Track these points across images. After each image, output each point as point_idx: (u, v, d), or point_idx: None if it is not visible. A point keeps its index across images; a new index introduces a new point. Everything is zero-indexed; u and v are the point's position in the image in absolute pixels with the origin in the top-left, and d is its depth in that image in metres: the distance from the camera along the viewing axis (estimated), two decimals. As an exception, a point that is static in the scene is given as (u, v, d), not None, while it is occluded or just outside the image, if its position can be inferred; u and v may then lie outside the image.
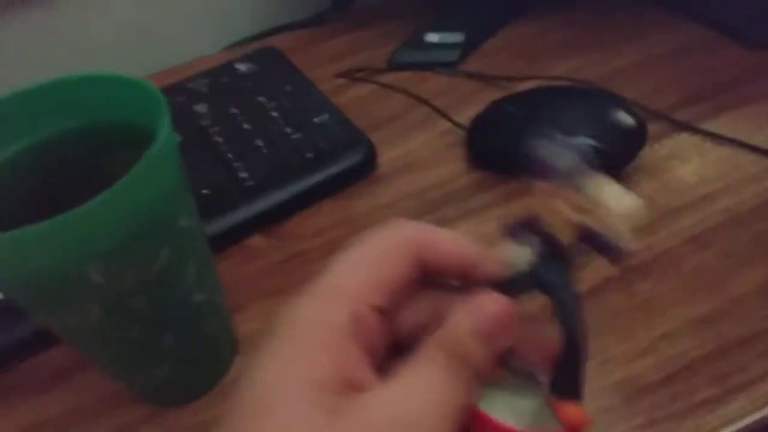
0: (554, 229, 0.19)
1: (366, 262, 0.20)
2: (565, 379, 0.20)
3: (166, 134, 0.24)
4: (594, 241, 0.19)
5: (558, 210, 0.19)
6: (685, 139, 0.41)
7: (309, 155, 0.40)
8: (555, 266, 0.20)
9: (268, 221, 0.38)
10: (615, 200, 0.18)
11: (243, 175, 0.39)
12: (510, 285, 0.20)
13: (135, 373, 0.28)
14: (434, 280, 0.21)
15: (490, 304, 0.19)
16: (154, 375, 0.28)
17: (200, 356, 0.29)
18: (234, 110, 0.44)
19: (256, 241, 0.38)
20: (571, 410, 0.20)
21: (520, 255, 0.20)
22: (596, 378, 0.30)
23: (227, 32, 0.58)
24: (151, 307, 0.25)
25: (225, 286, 0.36)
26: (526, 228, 0.20)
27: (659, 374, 0.30)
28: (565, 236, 0.19)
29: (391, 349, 0.21)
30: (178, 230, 0.25)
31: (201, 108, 0.45)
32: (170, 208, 0.24)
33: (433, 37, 0.51)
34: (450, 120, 0.44)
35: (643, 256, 0.35)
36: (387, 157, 0.43)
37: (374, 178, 0.42)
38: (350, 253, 0.20)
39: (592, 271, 0.34)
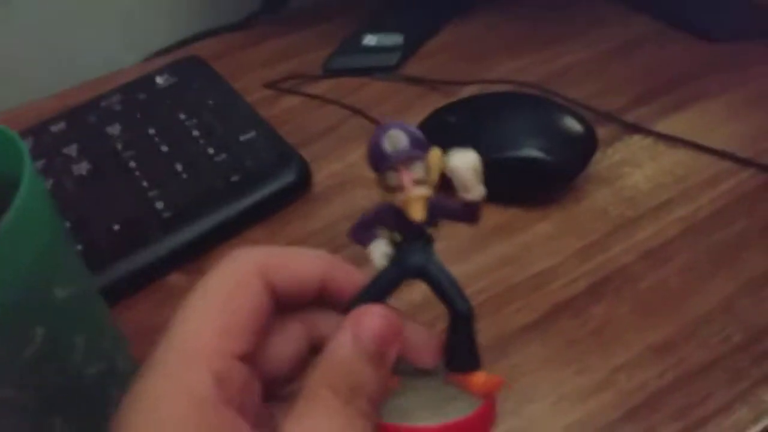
0: (403, 212, 0.19)
1: (213, 309, 0.18)
2: (461, 351, 0.20)
3: (28, 188, 0.20)
4: (445, 209, 0.19)
5: (401, 192, 0.18)
6: (637, 142, 0.39)
7: (234, 178, 0.37)
8: (414, 248, 0.19)
9: (188, 256, 0.35)
10: (453, 160, 0.18)
11: (159, 205, 0.35)
12: (377, 287, 0.19)
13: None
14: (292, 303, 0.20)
15: (368, 319, 0.18)
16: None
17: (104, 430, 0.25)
18: (151, 131, 0.40)
19: (175, 279, 0.34)
20: (478, 379, 0.19)
21: (377, 252, 0.19)
22: (551, 419, 0.27)
23: (147, 41, 0.54)
24: (29, 394, 0.21)
25: (140, 333, 0.32)
26: (371, 224, 0.20)
27: (618, 411, 0.27)
28: (416, 214, 0.18)
29: (266, 390, 0.19)
30: (55, 302, 0.21)
31: (114, 129, 0.41)
32: (41, 278, 0.20)
33: (370, 40, 0.48)
34: (389, 131, 0.41)
35: (596, 276, 0.32)
36: (322, 174, 0.39)
37: (308, 199, 0.38)
38: (193, 303, 0.18)
39: (541, 297, 0.31)
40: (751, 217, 0.34)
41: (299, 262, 0.20)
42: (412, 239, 0.19)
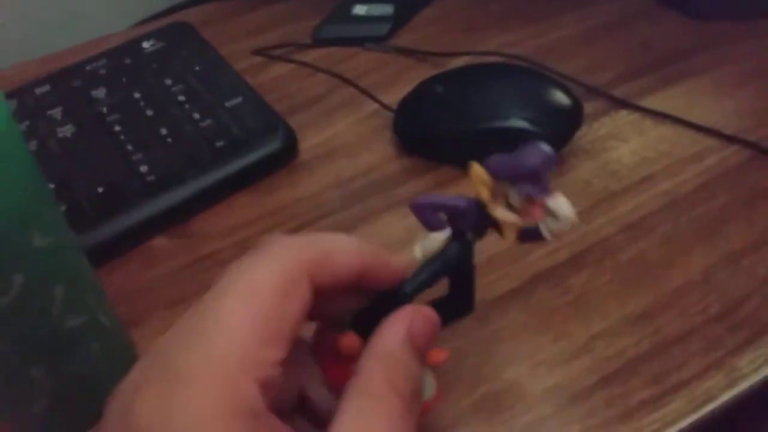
0: (486, 215, 0.20)
1: (260, 316, 0.16)
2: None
3: (4, 134, 0.19)
4: (530, 237, 0.21)
5: (503, 207, 0.20)
6: (623, 117, 0.39)
7: (219, 144, 0.36)
8: (461, 246, 0.21)
9: (172, 220, 0.34)
10: (560, 209, 0.20)
11: (143, 168, 0.35)
12: (426, 278, 0.20)
13: (7, 410, 0.24)
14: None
15: (420, 321, 0.18)
16: (30, 411, 0.24)
17: (85, 385, 0.25)
18: (136, 95, 0.40)
19: (159, 242, 0.34)
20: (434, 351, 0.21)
21: (434, 243, 0.21)
22: (528, 385, 0.28)
23: (135, 8, 0.53)
24: (7, 341, 0.21)
25: (123, 295, 0.32)
26: (441, 209, 0.21)
27: (595, 377, 0.28)
28: (509, 237, 0.20)
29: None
30: (34, 250, 0.21)
31: (99, 93, 0.40)
32: (19, 225, 0.20)
33: (360, 9, 0.48)
34: (377, 101, 0.40)
35: (577, 247, 0.32)
36: (308, 143, 0.39)
37: (294, 167, 0.38)
38: (235, 304, 0.16)
39: (524, 266, 0.32)
40: (733, 192, 0.34)
41: (341, 257, 0.19)
42: (462, 237, 0.21)
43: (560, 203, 0.20)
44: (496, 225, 0.21)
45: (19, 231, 0.20)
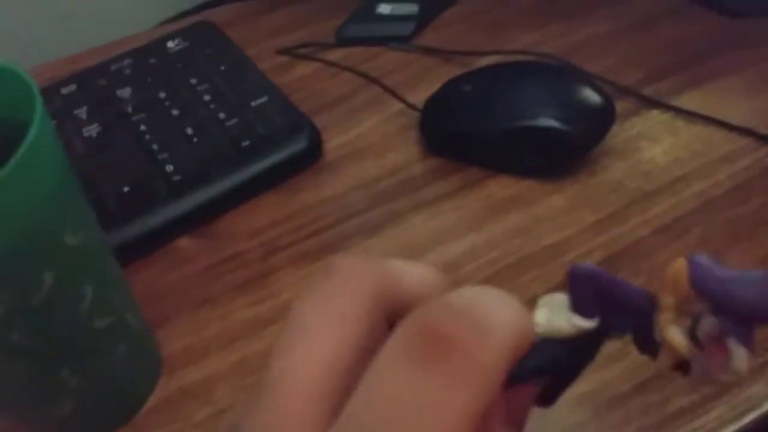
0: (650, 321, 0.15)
1: (335, 351, 0.14)
2: None
3: (38, 128, 0.19)
4: (681, 370, 0.16)
5: (672, 322, 0.15)
6: (655, 116, 0.38)
7: (245, 143, 0.36)
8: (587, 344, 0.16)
9: (198, 220, 0.34)
10: (739, 364, 0.15)
11: (169, 168, 0.35)
12: (527, 367, 0.15)
13: (32, 411, 0.24)
14: None
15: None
16: (55, 413, 0.24)
17: (111, 387, 0.25)
18: (162, 94, 0.40)
19: (184, 243, 0.34)
20: None
21: (566, 324, 0.16)
22: (562, 389, 0.27)
23: (159, 8, 0.53)
24: (37, 341, 0.21)
25: (149, 296, 0.32)
26: (603, 294, 0.16)
27: (630, 383, 0.27)
28: (661, 360, 0.15)
29: None
30: (65, 248, 0.21)
31: (124, 93, 0.40)
32: (51, 222, 0.20)
33: (385, 9, 0.47)
34: (402, 101, 0.40)
35: (611, 248, 0.32)
36: (334, 143, 0.39)
37: (319, 167, 0.38)
38: (311, 344, 0.14)
39: (555, 267, 0.31)
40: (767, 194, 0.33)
41: (414, 288, 0.16)
42: (601, 335, 0.16)
43: (743, 357, 0.15)
44: (650, 340, 0.16)
45: (51, 229, 0.20)
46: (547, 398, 0.17)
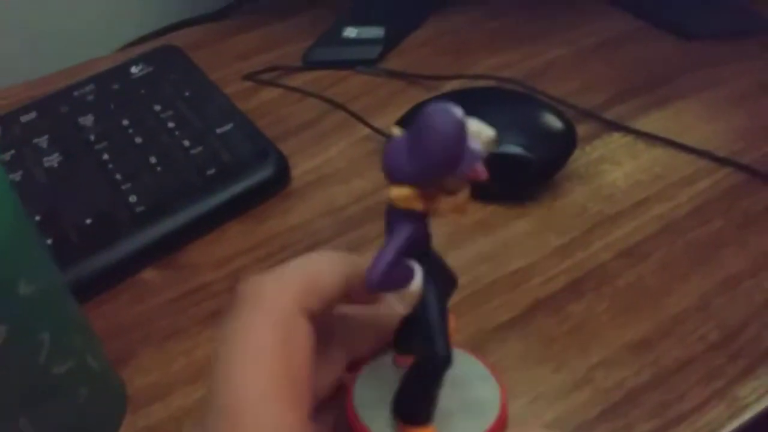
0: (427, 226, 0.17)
1: (275, 382, 0.15)
2: (416, 400, 0.17)
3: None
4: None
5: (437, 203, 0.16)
6: (616, 139, 0.39)
7: (210, 172, 0.36)
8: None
9: (162, 251, 0.34)
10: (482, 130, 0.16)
11: (132, 198, 0.34)
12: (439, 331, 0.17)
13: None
14: None
15: None
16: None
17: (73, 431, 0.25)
18: (125, 122, 0.39)
19: (148, 275, 0.34)
20: None
21: (413, 291, 0.17)
22: (529, 417, 0.27)
23: (123, 30, 0.52)
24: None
25: (113, 331, 0.31)
26: (406, 253, 0.16)
27: (595, 409, 0.27)
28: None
29: None
30: (19, 299, 0.20)
31: (86, 120, 0.40)
32: (3, 272, 0.20)
33: (351, 32, 0.47)
34: (369, 126, 0.40)
35: (575, 273, 0.32)
36: (300, 169, 0.39)
37: (286, 194, 0.38)
38: (242, 372, 0.15)
39: (521, 293, 0.31)
40: (727, 216, 0.34)
41: (326, 278, 0.17)
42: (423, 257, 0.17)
43: (479, 126, 0.16)
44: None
45: (3, 279, 0.20)
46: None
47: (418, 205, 0.16)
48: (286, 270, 0.17)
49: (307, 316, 0.17)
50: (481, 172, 0.16)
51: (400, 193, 0.16)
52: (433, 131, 0.15)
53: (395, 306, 0.18)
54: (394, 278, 0.16)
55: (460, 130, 0.15)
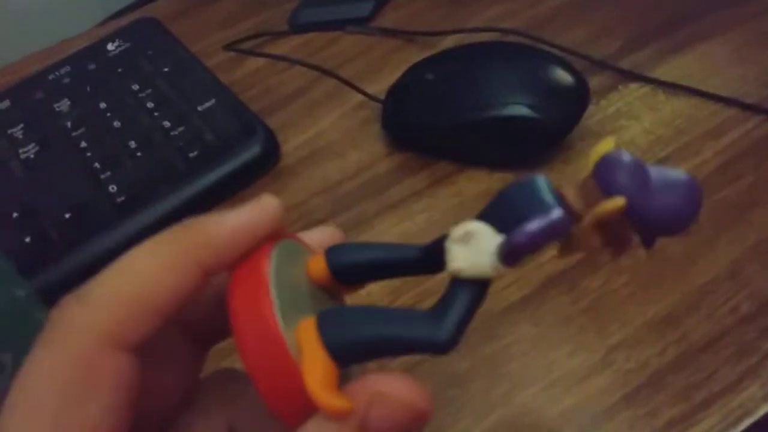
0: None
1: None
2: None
3: None
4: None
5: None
6: (634, 90, 0.36)
7: (193, 154, 0.33)
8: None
9: (148, 243, 0.32)
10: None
11: (112, 188, 0.32)
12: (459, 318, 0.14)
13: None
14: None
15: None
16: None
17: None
18: (102, 105, 0.37)
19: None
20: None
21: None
22: (545, 405, 0.25)
23: (101, 4, 0.49)
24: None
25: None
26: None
27: (616, 394, 0.25)
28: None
29: None
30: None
31: (62, 106, 0.37)
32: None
33: (340, -11, 0.44)
34: (362, 92, 0.37)
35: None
36: (291, 145, 0.36)
37: (277, 173, 0.35)
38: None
39: (531, 270, 0.29)
40: (759, 171, 0.31)
41: (151, 291, 0.14)
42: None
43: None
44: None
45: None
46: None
47: (578, 206, 0.14)
48: (96, 287, 0.14)
49: (124, 348, 0.13)
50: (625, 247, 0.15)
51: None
52: (695, 190, 0.14)
53: (454, 263, 0.14)
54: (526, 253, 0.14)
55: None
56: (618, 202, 0.14)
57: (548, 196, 0.14)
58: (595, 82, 0.35)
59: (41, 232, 0.31)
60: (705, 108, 0.34)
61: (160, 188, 0.32)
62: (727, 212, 0.30)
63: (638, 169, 0.14)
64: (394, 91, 0.35)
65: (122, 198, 0.32)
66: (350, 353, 0.13)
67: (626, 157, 0.15)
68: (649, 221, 0.14)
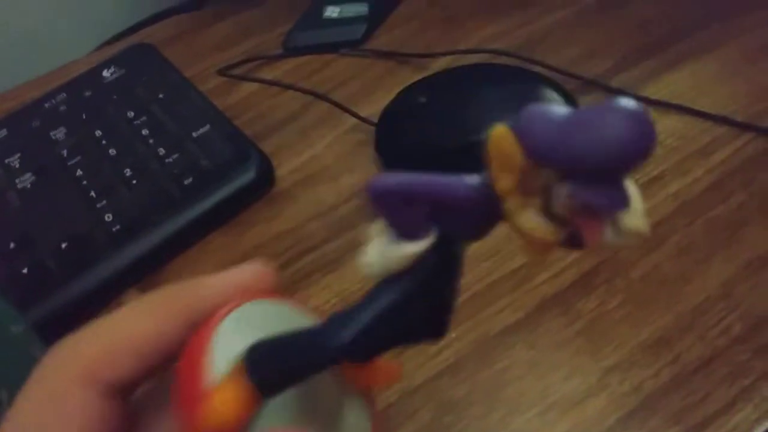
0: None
1: None
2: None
3: None
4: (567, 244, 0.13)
5: (523, 207, 0.12)
6: (625, 110, 0.36)
7: (188, 181, 0.34)
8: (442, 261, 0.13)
9: (143, 270, 0.32)
10: (633, 225, 0.12)
11: (108, 217, 0.33)
12: (361, 324, 0.13)
13: None
14: None
15: None
16: None
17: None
18: (98, 132, 0.37)
19: (131, 296, 0.32)
20: (379, 367, 0.15)
21: (401, 254, 0.12)
22: (541, 431, 0.25)
23: (99, 28, 0.50)
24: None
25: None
26: (419, 199, 0.12)
27: (611, 418, 0.25)
28: (529, 252, 0.12)
29: None
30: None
31: (59, 134, 0.38)
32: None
33: (332, 11, 0.44)
34: (355, 115, 0.37)
35: (584, 266, 0.30)
36: (285, 169, 0.37)
37: (271, 198, 0.35)
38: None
39: (527, 292, 0.29)
40: (750, 189, 0.31)
41: (125, 341, 0.14)
42: (447, 245, 0.13)
43: (636, 215, 0.12)
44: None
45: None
46: (435, 332, 0.14)
47: (504, 178, 0.12)
48: (84, 331, 0.15)
49: (100, 391, 0.14)
50: (592, 235, 0.12)
51: (502, 142, 0.11)
52: (623, 112, 0.10)
53: (367, 262, 0.13)
54: (394, 210, 0.12)
55: (648, 145, 0.11)
56: (499, 129, 0.11)
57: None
58: (586, 101, 0.35)
59: (38, 262, 0.31)
60: (695, 126, 0.34)
61: (155, 216, 0.32)
62: (720, 231, 0.30)
63: (548, 112, 0.11)
64: (387, 115, 0.36)
65: (118, 227, 0.32)
66: (271, 384, 0.14)
67: (536, 107, 0.11)
68: (572, 158, 0.11)
